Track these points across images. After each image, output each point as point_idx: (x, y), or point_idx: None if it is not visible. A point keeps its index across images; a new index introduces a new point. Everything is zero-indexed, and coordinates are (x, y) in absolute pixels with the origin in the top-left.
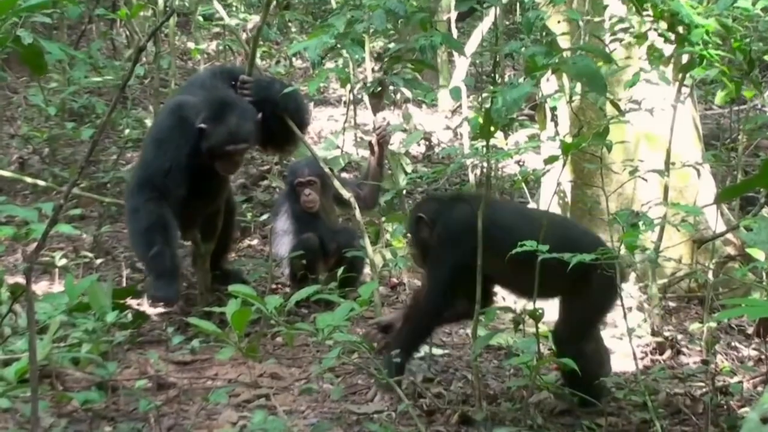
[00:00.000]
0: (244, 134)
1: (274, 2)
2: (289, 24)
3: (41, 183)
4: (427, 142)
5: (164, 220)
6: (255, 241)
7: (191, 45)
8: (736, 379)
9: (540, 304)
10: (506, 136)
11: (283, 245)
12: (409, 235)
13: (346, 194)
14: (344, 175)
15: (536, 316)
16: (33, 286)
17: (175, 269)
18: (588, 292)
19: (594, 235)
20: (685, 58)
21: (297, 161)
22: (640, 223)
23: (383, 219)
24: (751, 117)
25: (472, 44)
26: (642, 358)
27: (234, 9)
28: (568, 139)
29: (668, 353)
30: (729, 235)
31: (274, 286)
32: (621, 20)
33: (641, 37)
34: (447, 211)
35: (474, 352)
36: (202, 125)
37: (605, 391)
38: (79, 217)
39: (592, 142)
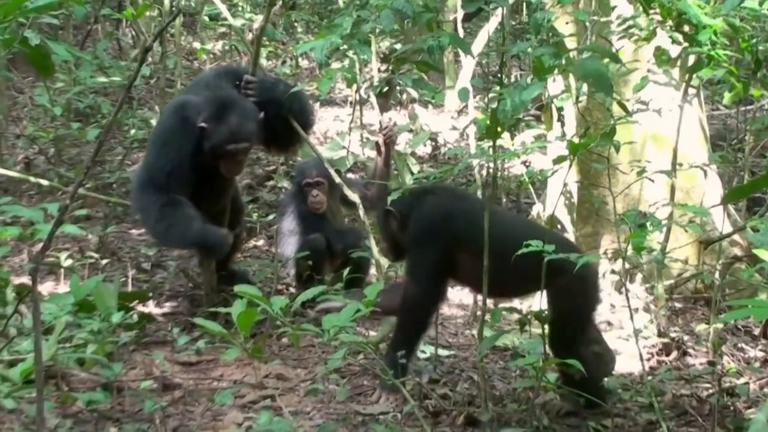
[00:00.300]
0: (245, 133)
1: (279, 2)
2: (295, 24)
3: (46, 183)
4: (433, 143)
5: (174, 201)
6: (261, 242)
7: (197, 45)
8: (742, 380)
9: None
10: (513, 137)
11: (289, 246)
12: (379, 228)
13: (353, 196)
14: (350, 175)
15: (542, 317)
16: (38, 286)
17: (196, 219)
18: (560, 295)
19: (560, 236)
20: (692, 59)
21: (305, 162)
22: (647, 224)
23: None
24: (758, 117)
25: (478, 44)
26: (648, 359)
27: (240, 9)
28: (575, 140)
29: (675, 354)
30: (736, 236)
31: (279, 287)
32: (627, 20)
33: (649, 36)
34: (418, 204)
35: (480, 353)
36: (203, 124)
37: (609, 392)
38: (85, 218)
39: (599, 143)
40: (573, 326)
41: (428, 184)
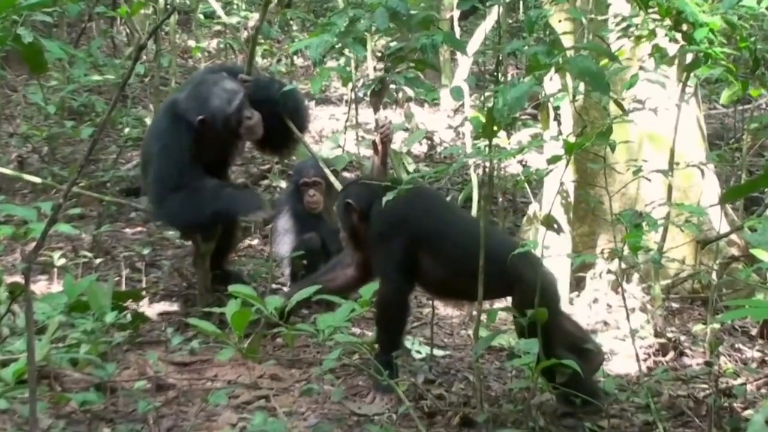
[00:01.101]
0: (233, 92)
1: (275, 0)
2: (291, 22)
3: (40, 181)
4: (429, 142)
5: (195, 186)
6: (255, 241)
7: (192, 43)
8: (739, 381)
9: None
10: (509, 136)
11: (285, 245)
12: (338, 219)
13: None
14: (346, 174)
15: (538, 317)
16: (31, 285)
17: (225, 186)
18: (519, 302)
19: (512, 239)
20: (689, 57)
21: (302, 161)
22: (644, 224)
23: None
24: (755, 116)
25: (474, 43)
26: (645, 360)
27: (235, 7)
28: (572, 139)
29: (671, 355)
30: (733, 236)
31: (274, 287)
32: (625, 19)
33: (649, 36)
34: (377, 199)
35: (475, 353)
36: (200, 117)
37: (602, 389)
38: (79, 217)
39: (595, 142)
40: (541, 330)
41: (387, 180)
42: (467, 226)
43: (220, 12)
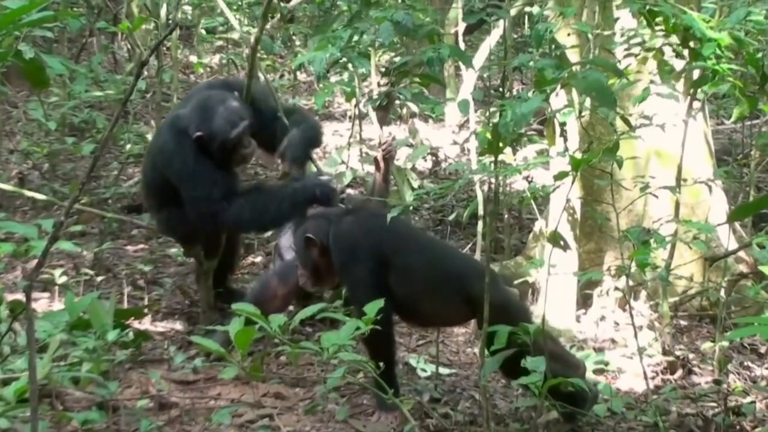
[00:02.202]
0: (237, 116)
1: (278, 15)
2: (294, 37)
3: (42, 197)
4: (433, 158)
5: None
6: (259, 258)
7: (194, 59)
8: (748, 399)
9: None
10: (514, 152)
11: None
12: (297, 257)
13: None
14: (350, 191)
15: (545, 334)
16: (33, 303)
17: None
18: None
19: (478, 262)
20: (696, 73)
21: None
22: (651, 241)
23: None
24: (763, 132)
25: (479, 57)
26: (653, 378)
27: (238, 22)
28: (578, 155)
29: (680, 373)
30: (741, 253)
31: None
32: (633, 36)
33: (656, 52)
34: (335, 226)
35: (484, 374)
36: (198, 133)
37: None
38: (80, 234)
39: (602, 158)
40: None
41: (343, 208)
42: (425, 245)
43: (233, 21)
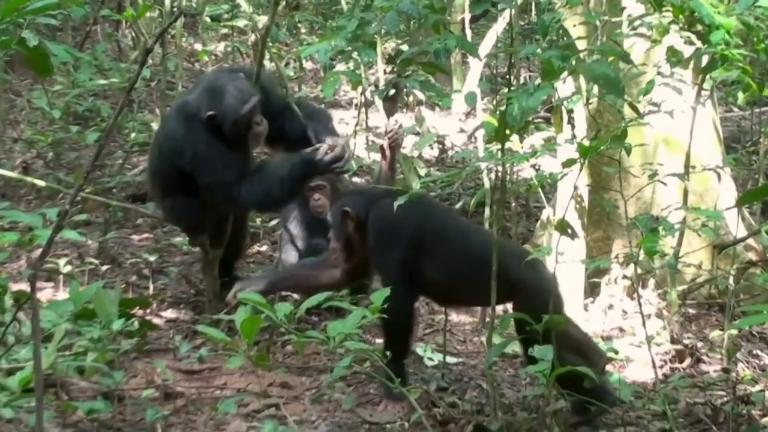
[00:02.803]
0: (248, 92)
1: (283, 3)
2: (299, 25)
3: (46, 185)
4: (440, 146)
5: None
6: (264, 247)
7: (199, 47)
8: (757, 387)
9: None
10: (521, 140)
11: (293, 251)
12: (331, 229)
13: None
14: (356, 179)
15: (554, 323)
16: (37, 293)
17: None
18: (521, 309)
19: (518, 246)
20: (705, 59)
21: None
22: (660, 228)
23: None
24: None
25: (486, 46)
26: (661, 367)
27: (242, 10)
28: (586, 143)
29: (688, 361)
30: (750, 241)
31: (284, 294)
32: (637, 19)
33: (662, 32)
34: (375, 207)
35: (489, 360)
36: (210, 113)
37: (608, 393)
38: (85, 223)
39: (610, 145)
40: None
41: (383, 189)
42: (466, 230)
43: (244, 5)
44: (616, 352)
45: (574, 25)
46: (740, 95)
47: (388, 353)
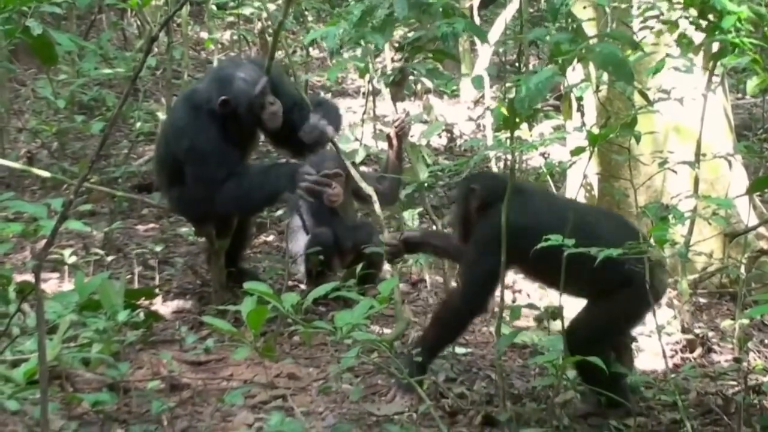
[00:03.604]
0: (257, 74)
1: None
2: (306, 12)
3: (51, 176)
4: (448, 134)
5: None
6: (271, 237)
7: (204, 35)
8: None
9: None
10: (531, 128)
11: (300, 241)
12: (454, 203)
13: (368, 189)
14: (363, 168)
15: (561, 313)
16: (42, 284)
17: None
18: (620, 302)
19: (632, 229)
20: (716, 46)
21: (319, 153)
22: (670, 217)
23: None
24: None
25: (495, 32)
26: (672, 357)
27: None
28: (595, 130)
29: (699, 351)
30: (762, 229)
31: (290, 284)
32: (650, 7)
33: (672, 25)
34: (502, 200)
35: (498, 351)
36: (223, 97)
37: (633, 391)
38: (90, 213)
39: (619, 133)
40: (614, 331)
41: (523, 183)
42: (597, 218)
43: None
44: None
45: (584, 8)
46: (750, 85)
47: (396, 342)
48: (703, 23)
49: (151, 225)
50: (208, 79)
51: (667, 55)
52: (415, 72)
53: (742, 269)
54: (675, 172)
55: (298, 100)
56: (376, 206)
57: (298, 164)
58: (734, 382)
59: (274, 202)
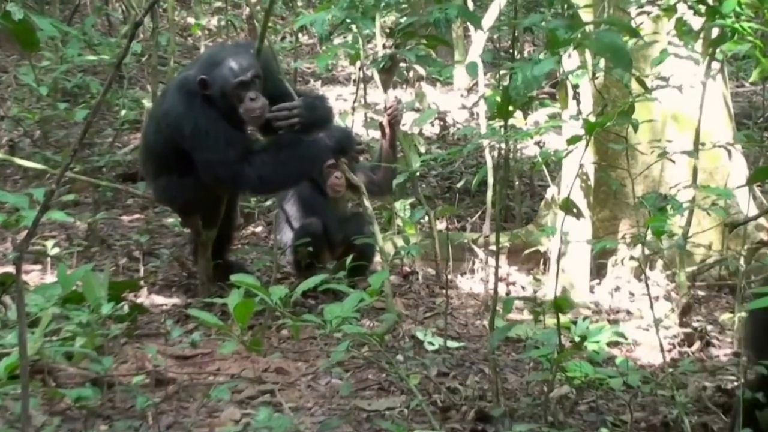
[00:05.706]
0: (246, 64)
1: None
2: None
3: (33, 165)
4: (441, 122)
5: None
6: (259, 228)
7: (191, 20)
8: None
9: None
10: (525, 116)
11: (288, 232)
12: None
13: (356, 180)
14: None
15: (557, 306)
16: (24, 276)
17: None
18: None
19: None
20: (715, 32)
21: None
22: (668, 207)
23: (395, 204)
24: None
25: (489, 18)
26: (670, 350)
27: None
28: (592, 119)
29: (697, 345)
30: (762, 220)
31: (279, 276)
32: None
33: (670, 10)
34: None
35: (491, 344)
36: (202, 76)
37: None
38: (73, 204)
39: (616, 122)
40: None
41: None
42: None
43: None
44: (623, 336)
45: None
46: (754, 73)
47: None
48: (702, 8)
49: (136, 216)
50: (199, 63)
51: (670, 43)
52: (407, 58)
53: (742, 261)
54: (673, 161)
55: (285, 92)
56: (364, 197)
57: (347, 129)
58: (733, 377)
59: (311, 172)
